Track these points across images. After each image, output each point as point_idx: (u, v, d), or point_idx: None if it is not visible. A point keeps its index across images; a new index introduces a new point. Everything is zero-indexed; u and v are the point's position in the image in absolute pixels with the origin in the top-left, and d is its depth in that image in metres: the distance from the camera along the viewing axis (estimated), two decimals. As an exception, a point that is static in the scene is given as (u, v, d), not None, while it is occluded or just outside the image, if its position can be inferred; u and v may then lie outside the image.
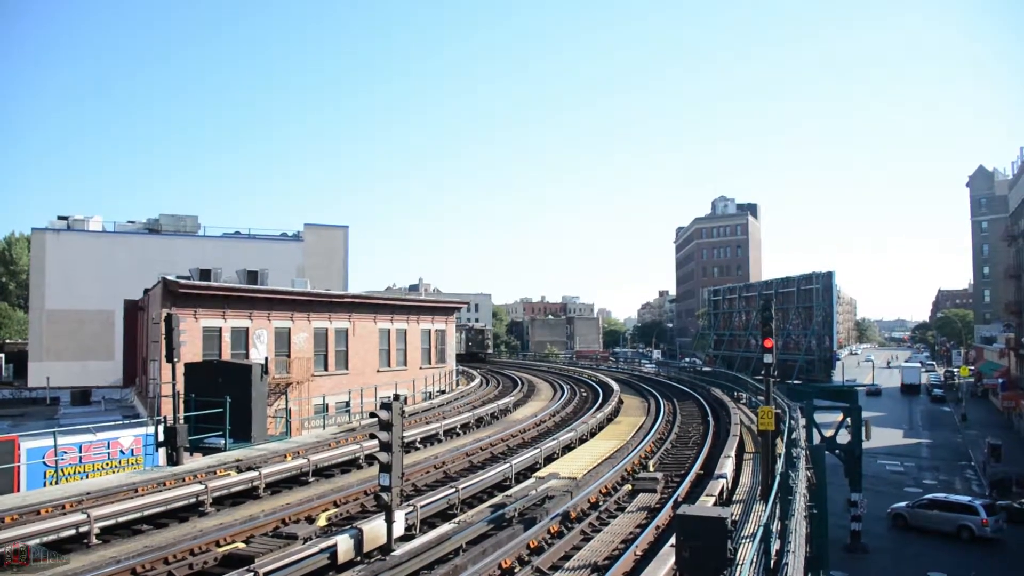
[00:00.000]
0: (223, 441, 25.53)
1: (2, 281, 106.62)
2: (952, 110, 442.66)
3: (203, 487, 18.24)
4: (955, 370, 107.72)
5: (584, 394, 46.21)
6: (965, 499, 40.81)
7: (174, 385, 24.66)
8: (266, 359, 36.84)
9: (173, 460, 23.24)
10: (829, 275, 50.16)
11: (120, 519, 16.24)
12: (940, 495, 42.20)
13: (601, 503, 19.23)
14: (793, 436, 21.57)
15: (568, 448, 26.98)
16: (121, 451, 25.92)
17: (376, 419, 14.93)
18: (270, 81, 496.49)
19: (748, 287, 70.82)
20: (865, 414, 38.46)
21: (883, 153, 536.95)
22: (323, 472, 22.72)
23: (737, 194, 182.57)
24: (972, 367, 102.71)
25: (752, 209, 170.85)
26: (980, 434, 65.38)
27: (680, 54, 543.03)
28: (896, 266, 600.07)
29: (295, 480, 21.48)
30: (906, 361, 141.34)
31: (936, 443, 66.76)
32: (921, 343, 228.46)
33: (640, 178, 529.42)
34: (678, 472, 23.07)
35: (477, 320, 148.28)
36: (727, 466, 20.93)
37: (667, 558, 13.03)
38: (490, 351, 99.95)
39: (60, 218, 68.89)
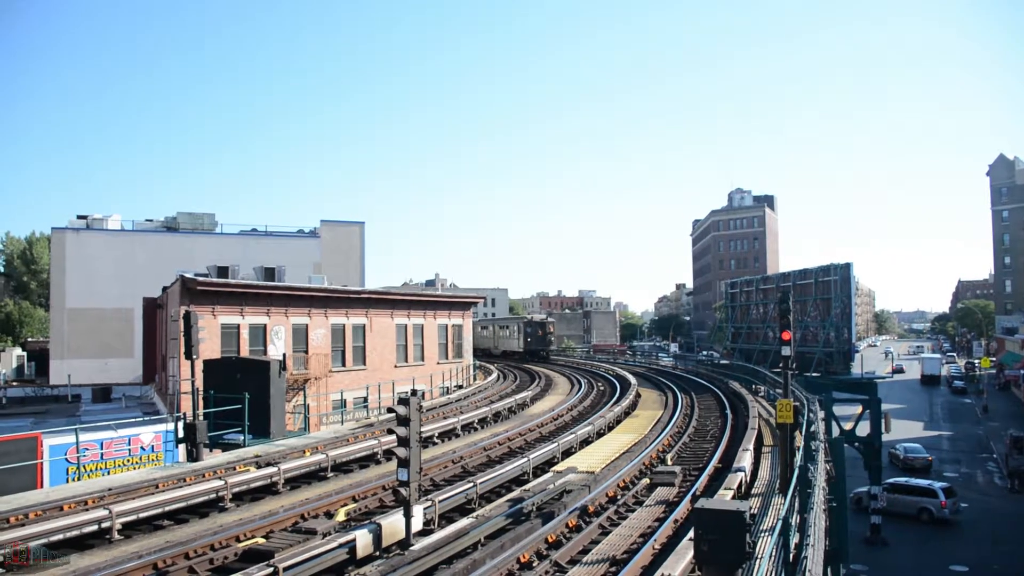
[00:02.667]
0: (242, 437, 25.67)
1: (24, 280, 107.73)
2: (972, 99, 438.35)
3: (223, 483, 18.35)
4: (976, 361, 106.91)
5: (601, 388, 46.17)
6: (924, 483, 42.49)
7: (193, 382, 24.80)
8: (284, 355, 37.04)
9: (193, 456, 23.38)
10: (847, 267, 49.84)
11: (141, 515, 16.37)
12: (901, 479, 42.84)
13: (619, 497, 19.21)
14: (812, 429, 21.48)
15: (586, 442, 26.97)
16: (142, 447, 26.16)
17: (394, 414, 14.96)
18: (285, 78, 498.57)
19: (765, 279, 70.50)
20: (885, 406, 38.24)
21: (902, 143, 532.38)
22: (342, 467, 22.81)
23: (754, 186, 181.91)
24: (993, 358, 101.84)
25: (769, 201, 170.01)
26: (1002, 426, 64.80)
27: (697, 48, 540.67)
28: (915, 257, 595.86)
29: (314, 475, 21.58)
30: (910, 351, 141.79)
31: (957, 435, 66.24)
32: (941, 334, 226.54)
33: (656, 171, 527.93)
34: (696, 466, 23.02)
35: (494, 314, 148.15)
36: (745, 459, 20.86)
37: (685, 552, 12.99)
38: (553, 347, 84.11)
39: (79, 217, 69.50)
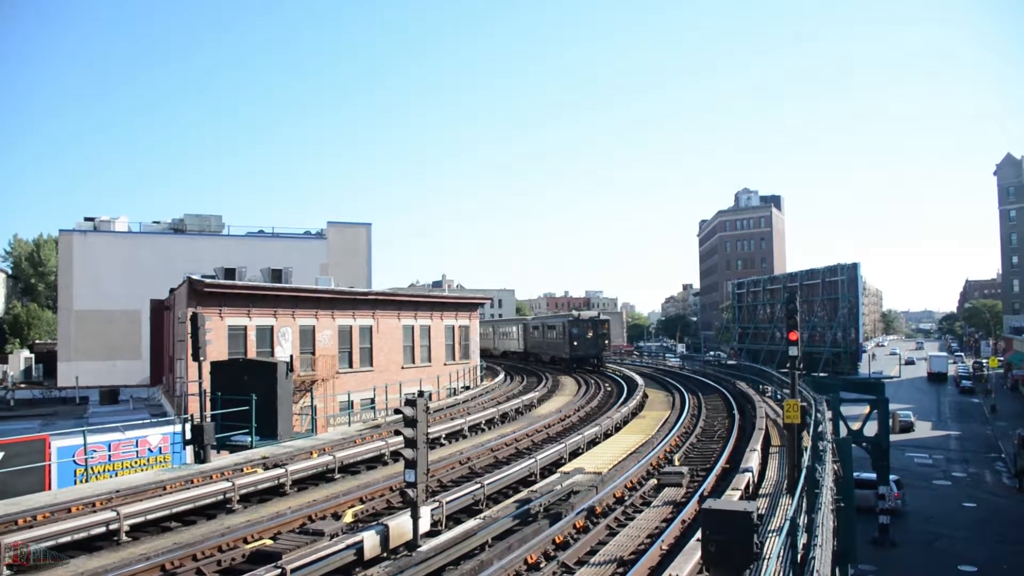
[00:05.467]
0: (249, 439, 25.73)
1: (31, 282, 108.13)
2: (979, 99, 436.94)
3: (230, 484, 18.37)
4: (984, 361, 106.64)
5: (608, 389, 46.08)
6: (874, 476, 42.64)
7: (200, 383, 24.86)
8: (291, 357, 37.06)
9: (200, 458, 23.44)
10: (854, 266, 49.66)
11: (149, 516, 16.38)
12: (855, 474, 42.78)
13: (626, 498, 19.17)
14: (819, 429, 21.39)
15: (593, 443, 26.94)
16: (149, 449, 26.15)
17: (401, 415, 14.97)
18: (292, 79, 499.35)
19: (772, 279, 70.22)
20: (892, 406, 38.21)
21: (908, 143, 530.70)
22: (349, 469, 22.82)
23: (761, 187, 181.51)
24: (1001, 358, 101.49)
25: (776, 201, 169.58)
26: (1010, 426, 64.56)
27: (704, 49, 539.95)
28: (923, 256, 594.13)
29: (321, 477, 21.60)
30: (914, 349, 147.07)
31: (965, 435, 66.02)
32: (949, 334, 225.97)
33: (663, 171, 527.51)
34: (704, 466, 22.96)
35: (501, 315, 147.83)
36: (753, 460, 20.79)
37: (693, 552, 12.97)
38: (607, 352, 67.31)
39: (87, 219, 69.81)
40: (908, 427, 66.64)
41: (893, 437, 38.87)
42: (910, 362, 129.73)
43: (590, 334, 61.88)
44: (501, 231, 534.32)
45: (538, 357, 70.21)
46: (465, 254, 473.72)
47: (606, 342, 63.93)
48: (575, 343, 61.22)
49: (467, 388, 48.54)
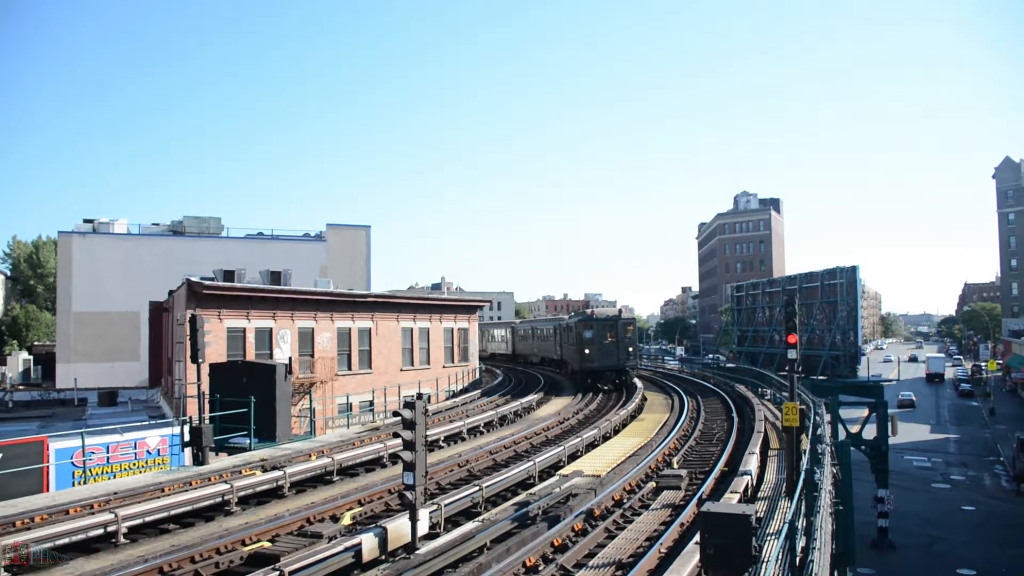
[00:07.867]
0: (248, 441, 25.70)
1: (30, 284, 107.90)
2: (978, 102, 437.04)
3: (228, 487, 18.36)
4: (983, 364, 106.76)
5: (607, 391, 46.01)
6: None
7: (199, 385, 24.84)
8: (290, 359, 37.04)
9: (199, 460, 23.42)
10: (853, 269, 49.60)
11: (147, 519, 16.36)
12: None
13: (625, 501, 19.15)
14: (818, 432, 21.40)
15: (592, 446, 26.92)
16: (148, 451, 26.16)
17: (400, 418, 14.96)
18: (291, 82, 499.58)
19: (771, 282, 70.13)
20: (891, 410, 38.22)
21: (908, 146, 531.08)
22: (347, 471, 22.80)
23: (760, 189, 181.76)
24: (1000, 361, 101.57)
25: (775, 204, 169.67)
26: (1009, 429, 64.62)
27: (702, 51, 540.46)
28: (922, 259, 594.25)
29: (320, 479, 21.57)
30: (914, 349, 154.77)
31: (964, 438, 66.06)
32: (948, 337, 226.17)
33: (662, 174, 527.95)
34: (702, 469, 22.93)
35: (500, 317, 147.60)
36: (752, 463, 20.78)
37: (692, 555, 12.95)
38: (632, 361, 47.15)
39: (86, 221, 69.67)
40: (910, 403, 77.94)
41: (893, 440, 38.64)
42: (913, 359, 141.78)
43: (609, 338, 46.25)
44: (500, 233, 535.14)
45: (560, 363, 58.01)
46: (464, 256, 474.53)
47: (631, 349, 46.89)
48: (587, 351, 46.30)
49: (466, 390, 48.51)
